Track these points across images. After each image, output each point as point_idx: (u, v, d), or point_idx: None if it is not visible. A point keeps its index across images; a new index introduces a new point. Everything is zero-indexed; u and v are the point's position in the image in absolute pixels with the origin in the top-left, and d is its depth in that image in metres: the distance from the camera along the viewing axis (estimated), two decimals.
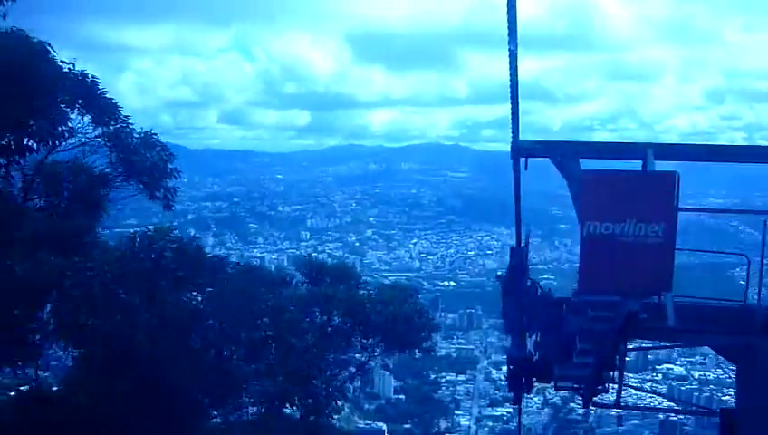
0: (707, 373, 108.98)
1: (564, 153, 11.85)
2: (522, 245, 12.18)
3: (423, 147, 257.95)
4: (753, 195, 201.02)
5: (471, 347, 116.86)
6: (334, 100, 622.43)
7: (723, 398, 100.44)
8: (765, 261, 12.06)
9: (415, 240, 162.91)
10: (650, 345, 15.31)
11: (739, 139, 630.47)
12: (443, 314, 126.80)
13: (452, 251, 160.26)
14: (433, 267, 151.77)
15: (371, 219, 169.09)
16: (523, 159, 11.80)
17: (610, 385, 13.75)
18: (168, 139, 26.15)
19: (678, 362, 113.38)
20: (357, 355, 29.88)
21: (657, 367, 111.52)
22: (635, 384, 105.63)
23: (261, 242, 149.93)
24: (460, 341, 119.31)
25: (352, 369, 29.98)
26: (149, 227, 20.79)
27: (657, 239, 10.50)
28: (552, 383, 13.31)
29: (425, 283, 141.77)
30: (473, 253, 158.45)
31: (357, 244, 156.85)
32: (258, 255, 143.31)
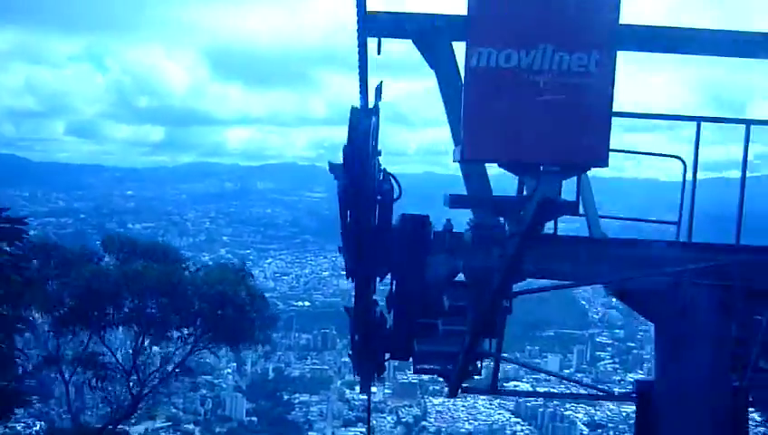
0: (551, 389, 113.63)
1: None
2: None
3: (279, 166, 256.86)
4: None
5: (325, 368, 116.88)
6: (190, 115, 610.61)
7: (565, 412, 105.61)
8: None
9: (269, 260, 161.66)
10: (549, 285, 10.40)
11: None
12: (297, 334, 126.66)
13: (306, 271, 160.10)
14: (287, 287, 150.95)
15: (225, 238, 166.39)
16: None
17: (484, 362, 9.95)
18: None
19: (525, 379, 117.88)
20: (173, 349, 24.04)
21: (505, 384, 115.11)
22: (483, 401, 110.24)
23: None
24: (314, 361, 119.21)
25: (168, 367, 25.83)
26: None
27: (587, 78, 6.58)
28: (411, 362, 10.40)
29: (279, 303, 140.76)
30: (327, 273, 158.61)
31: (210, 263, 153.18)
32: None
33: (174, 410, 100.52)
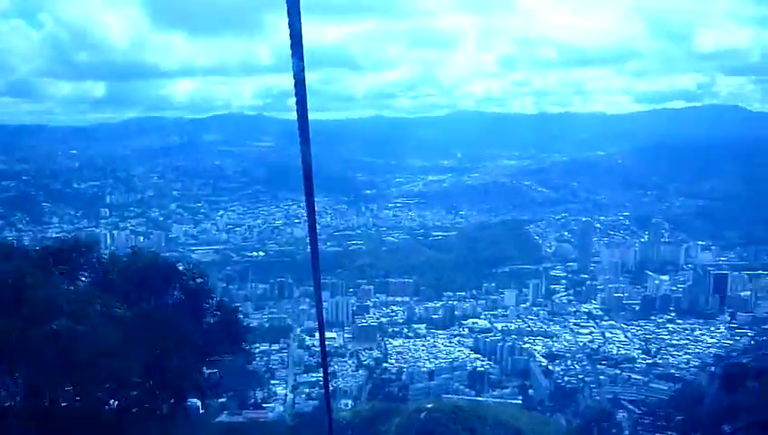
0: (509, 324, 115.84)
1: None
2: None
3: (227, 117, 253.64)
4: (542, 156, 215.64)
5: (284, 316, 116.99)
6: (133, 69, 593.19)
7: (524, 345, 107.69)
8: None
9: (221, 212, 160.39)
10: None
11: (529, 103, 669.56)
12: (253, 284, 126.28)
13: (259, 221, 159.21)
14: (241, 239, 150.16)
15: (175, 193, 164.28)
16: None
17: None
18: None
19: (483, 316, 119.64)
20: None
21: (464, 322, 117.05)
22: (443, 339, 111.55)
23: (56, 222, 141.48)
24: (272, 310, 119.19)
25: None
26: None
27: None
28: None
29: (233, 254, 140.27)
30: (280, 222, 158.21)
31: (161, 218, 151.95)
32: (53, 235, 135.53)
33: None
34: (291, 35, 4.91)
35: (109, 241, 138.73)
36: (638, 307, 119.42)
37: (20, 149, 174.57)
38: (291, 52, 4.86)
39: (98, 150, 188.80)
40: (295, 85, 4.85)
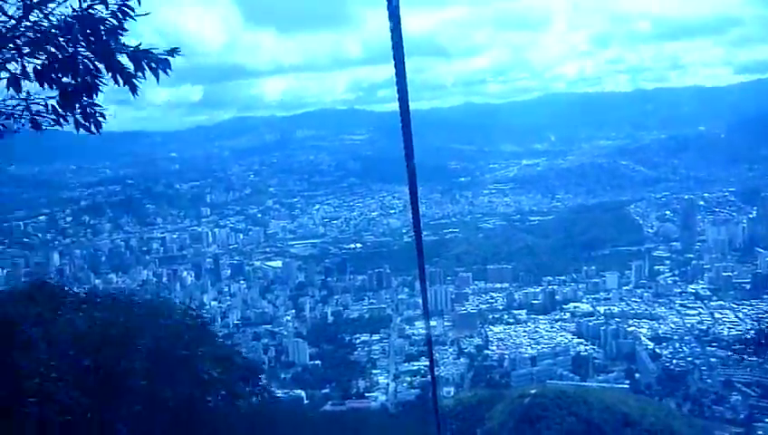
0: (612, 307, 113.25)
1: None
2: None
3: (318, 113, 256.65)
4: (639, 134, 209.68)
5: (383, 306, 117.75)
6: (225, 71, 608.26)
7: (628, 329, 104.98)
8: None
9: (317, 206, 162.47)
10: None
11: (623, 81, 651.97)
12: (352, 276, 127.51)
13: (355, 214, 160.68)
14: (338, 231, 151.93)
15: (271, 189, 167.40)
16: None
17: None
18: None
19: (584, 300, 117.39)
20: None
21: (565, 306, 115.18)
22: (545, 325, 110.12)
23: (160, 222, 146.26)
24: (371, 301, 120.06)
25: None
26: None
27: None
28: None
29: (331, 247, 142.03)
30: (376, 214, 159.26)
31: (259, 215, 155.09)
32: (159, 235, 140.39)
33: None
34: (392, 31, 4.71)
35: (210, 239, 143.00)
36: (748, 286, 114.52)
37: (124, 155, 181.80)
38: (392, 48, 4.66)
39: (195, 152, 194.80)
40: (396, 78, 4.67)
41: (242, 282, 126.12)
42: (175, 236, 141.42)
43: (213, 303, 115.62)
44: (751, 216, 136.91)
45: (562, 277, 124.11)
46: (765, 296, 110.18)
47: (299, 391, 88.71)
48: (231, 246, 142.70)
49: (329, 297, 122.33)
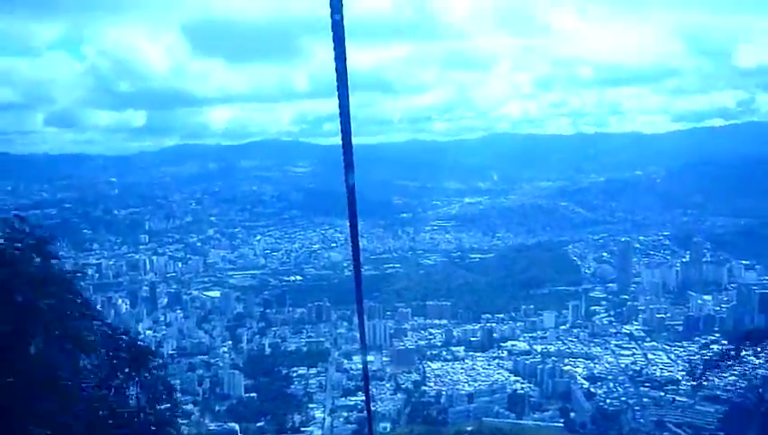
0: (549, 346, 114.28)
1: None
2: None
3: (263, 143, 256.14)
4: (579, 177, 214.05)
5: (321, 340, 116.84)
6: (172, 97, 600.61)
7: (564, 368, 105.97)
8: None
9: (259, 237, 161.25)
10: None
11: (565, 124, 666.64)
12: (291, 308, 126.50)
13: (296, 246, 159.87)
14: (278, 263, 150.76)
15: (213, 218, 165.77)
16: None
17: None
18: None
19: (522, 338, 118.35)
20: None
21: (503, 344, 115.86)
22: (482, 362, 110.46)
23: (96, 248, 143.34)
24: (310, 334, 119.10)
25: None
26: None
27: None
28: None
29: (271, 279, 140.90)
30: (317, 246, 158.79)
31: (199, 244, 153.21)
32: (94, 261, 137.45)
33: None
34: (336, 66, 4.69)
35: (148, 266, 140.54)
36: (680, 328, 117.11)
37: (63, 178, 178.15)
38: (336, 82, 4.64)
39: (137, 178, 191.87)
40: (340, 113, 4.67)
41: (179, 311, 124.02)
42: (111, 262, 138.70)
43: (148, 332, 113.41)
44: (684, 259, 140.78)
45: (501, 315, 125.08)
46: (697, 338, 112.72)
47: (233, 424, 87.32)
48: (169, 275, 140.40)
49: (267, 329, 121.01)
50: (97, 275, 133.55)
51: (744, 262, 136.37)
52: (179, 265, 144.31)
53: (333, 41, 4.73)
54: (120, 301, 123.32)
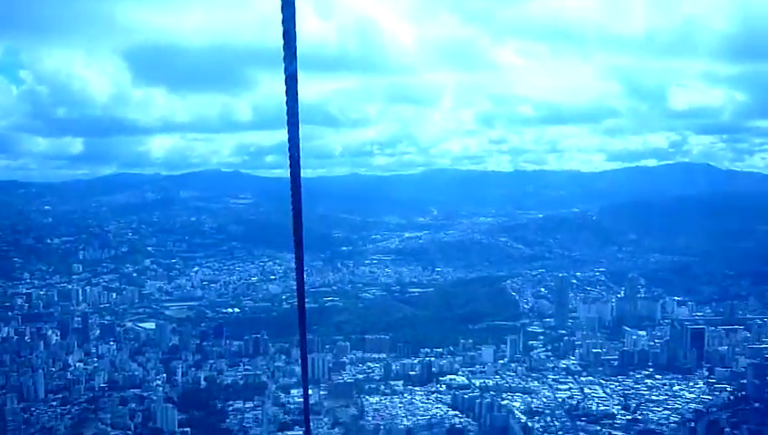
0: (487, 380, 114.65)
1: None
2: None
3: (203, 174, 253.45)
4: (517, 213, 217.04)
5: (258, 373, 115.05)
6: (110, 125, 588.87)
7: (502, 402, 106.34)
8: None
9: (196, 268, 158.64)
10: None
11: (505, 161, 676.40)
12: (228, 341, 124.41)
13: (235, 278, 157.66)
14: (216, 295, 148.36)
15: (150, 249, 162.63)
16: None
17: None
18: None
19: (461, 372, 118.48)
20: None
21: (441, 378, 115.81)
22: (421, 396, 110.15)
23: (27, 277, 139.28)
24: (247, 367, 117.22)
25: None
26: None
27: None
28: None
29: (208, 311, 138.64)
30: (256, 278, 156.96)
31: (134, 274, 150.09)
32: (24, 291, 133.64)
33: (102, 426, 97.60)
34: (287, 100, 4.49)
35: (80, 297, 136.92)
36: (616, 363, 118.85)
37: None
38: (287, 116, 4.46)
39: (72, 206, 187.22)
40: (289, 146, 4.48)
41: (111, 343, 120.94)
42: (42, 292, 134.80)
43: (78, 364, 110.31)
44: (619, 295, 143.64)
45: (440, 349, 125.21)
46: (632, 373, 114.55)
47: None
48: (102, 306, 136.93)
49: (203, 362, 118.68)
50: (27, 305, 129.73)
51: (676, 298, 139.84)
52: (114, 295, 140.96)
53: (286, 94, 4.55)
54: (50, 332, 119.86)
